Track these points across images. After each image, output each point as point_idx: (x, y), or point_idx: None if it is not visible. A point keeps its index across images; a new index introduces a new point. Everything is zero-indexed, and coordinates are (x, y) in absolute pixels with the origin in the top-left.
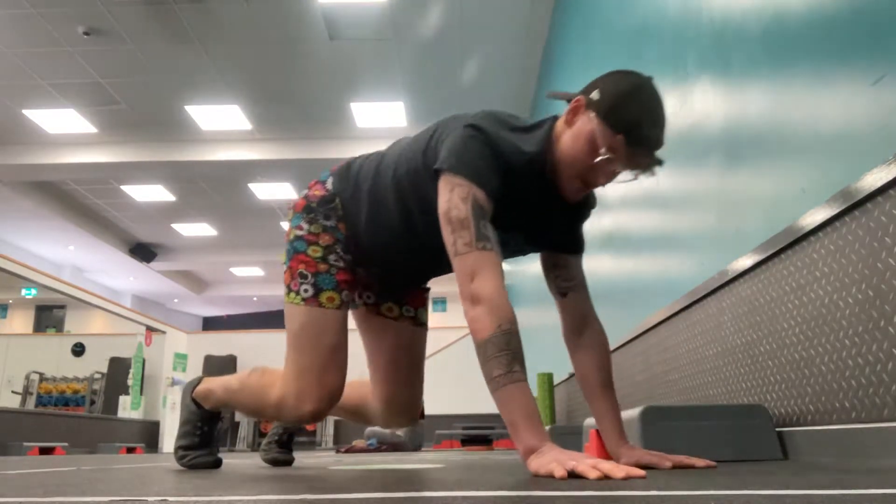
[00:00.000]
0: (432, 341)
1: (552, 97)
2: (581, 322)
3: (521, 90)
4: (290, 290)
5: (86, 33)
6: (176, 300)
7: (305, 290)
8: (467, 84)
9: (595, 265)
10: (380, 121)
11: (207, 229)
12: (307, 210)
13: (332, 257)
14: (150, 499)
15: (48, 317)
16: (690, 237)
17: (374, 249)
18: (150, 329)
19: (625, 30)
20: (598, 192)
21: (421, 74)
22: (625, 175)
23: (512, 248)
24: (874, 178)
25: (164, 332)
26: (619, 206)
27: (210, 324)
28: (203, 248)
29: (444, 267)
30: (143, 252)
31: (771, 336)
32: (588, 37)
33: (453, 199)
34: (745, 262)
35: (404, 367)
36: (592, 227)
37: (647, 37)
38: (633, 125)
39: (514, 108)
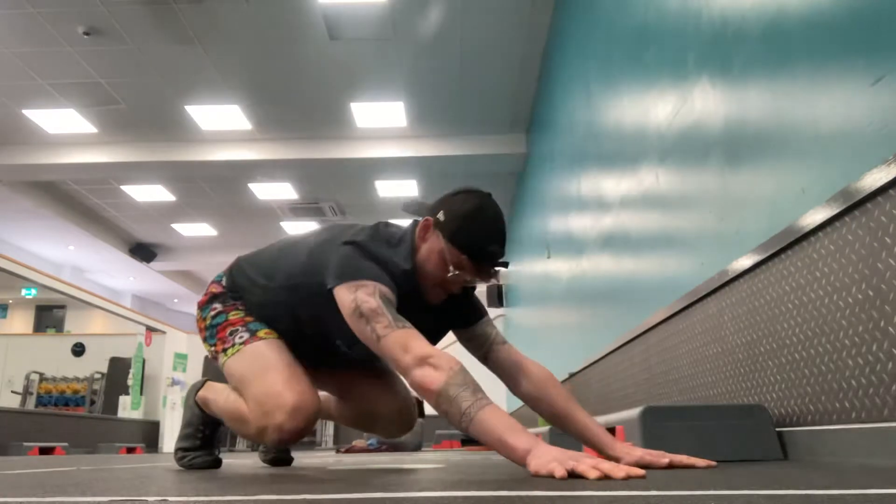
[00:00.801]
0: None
1: (407, 210)
2: (516, 372)
3: (521, 90)
4: (225, 350)
5: (86, 33)
6: (176, 300)
7: (241, 337)
8: (467, 84)
9: (595, 265)
10: (380, 121)
11: (207, 229)
12: (212, 299)
13: (254, 315)
14: (150, 499)
15: (48, 317)
16: (690, 237)
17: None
18: (150, 329)
19: (625, 30)
20: (599, 191)
21: (421, 74)
22: (476, 280)
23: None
24: (874, 178)
25: (164, 332)
26: (619, 206)
27: None
28: (203, 248)
29: (330, 358)
30: (143, 252)
31: (771, 336)
32: (588, 37)
33: (359, 296)
34: (745, 262)
35: (374, 388)
36: (592, 227)
37: (648, 37)
38: (475, 246)
39: (514, 108)
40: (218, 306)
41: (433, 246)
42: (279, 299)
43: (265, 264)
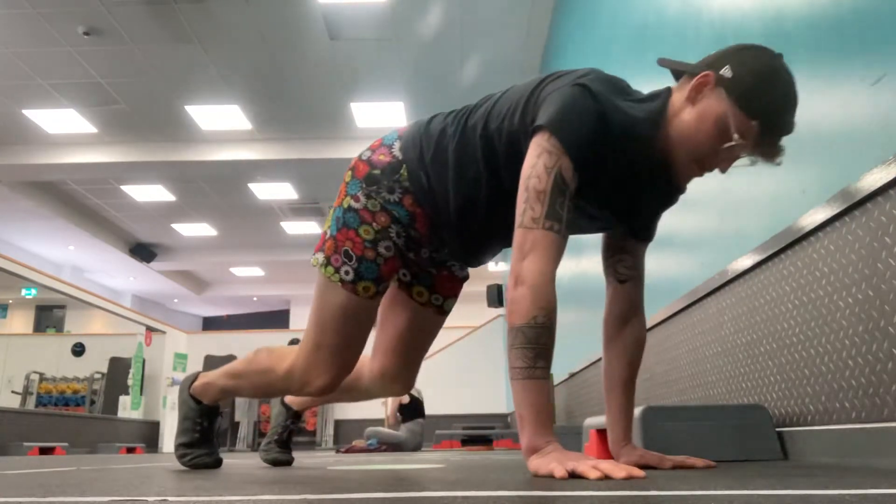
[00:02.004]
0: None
1: (664, 65)
2: (629, 312)
3: None
4: (328, 262)
5: (86, 33)
6: (176, 300)
7: (346, 273)
8: (467, 84)
9: (595, 265)
10: (380, 121)
11: (207, 229)
12: (369, 179)
13: (382, 244)
14: (150, 499)
15: (48, 317)
16: (690, 237)
17: (453, 215)
18: (150, 329)
19: (625, 30)
20: None
21: (421, 74)
22: (742, 161)
23: (598, 225)
24: (874, 178)
25: (164, 332)
26: None
27: (210, 324)
28: (203, 248)
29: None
30: (143, 252)
31: (771, 336)
32: (588, 37)
33: (538, 165)
34: (745, 262)
35: (411, 347)
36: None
37: (648, 37)
38: (771, 112)
39: None
40: (361, 199)
41: (710, 108)
42: (475, 152)
43: (460, 112)
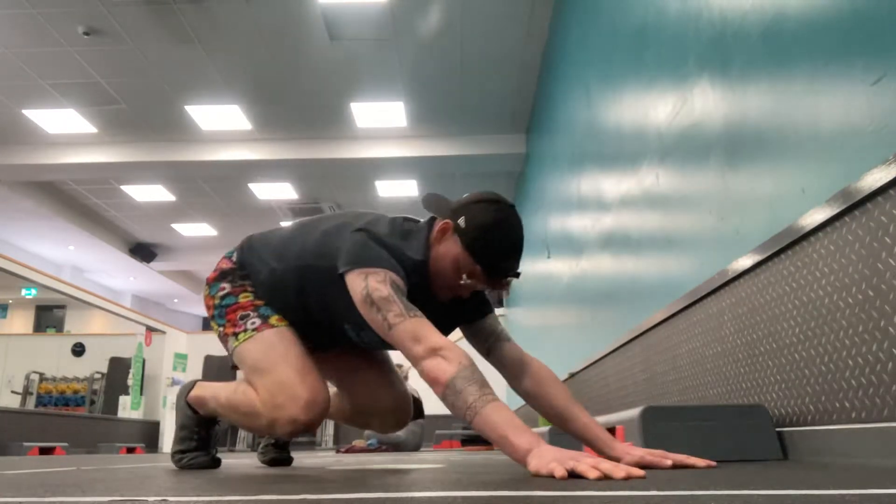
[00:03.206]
0: None
1: (427, 206)
2: (518, 367)
3: (521, 90)
4: (236, 335)
5: (86, 33)
6: (176, 300)
7: (253, 323)
8: (467, 84)
9: (595, 265)
10: (380, 121)
11: (207, 229)
12: (221, 276)
13: (262, 297)
14: (150, 499)
15: (48, 317)
16: (690, 237)
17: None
18: (150, 329)
19: (625, 30)
20: (599, 191)
21: (421, 74)
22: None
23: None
24: (874, 178)
25: (164, 332)
26: (619, 206)
27: (210, 324)
28: (203, 248)
29: (336, 343)
30: (143, 252)
31: (771, 336)
32: (588, 37)
33: (370, 284)
34: (745, 262)
35: (373, 378)
36: (592, 226)
37: (648, 37)
38: (491, 258)
39: (514, 108)
40: (227, 286)
41: (448, 250)
42: (288, 281)
43: (276, 244)
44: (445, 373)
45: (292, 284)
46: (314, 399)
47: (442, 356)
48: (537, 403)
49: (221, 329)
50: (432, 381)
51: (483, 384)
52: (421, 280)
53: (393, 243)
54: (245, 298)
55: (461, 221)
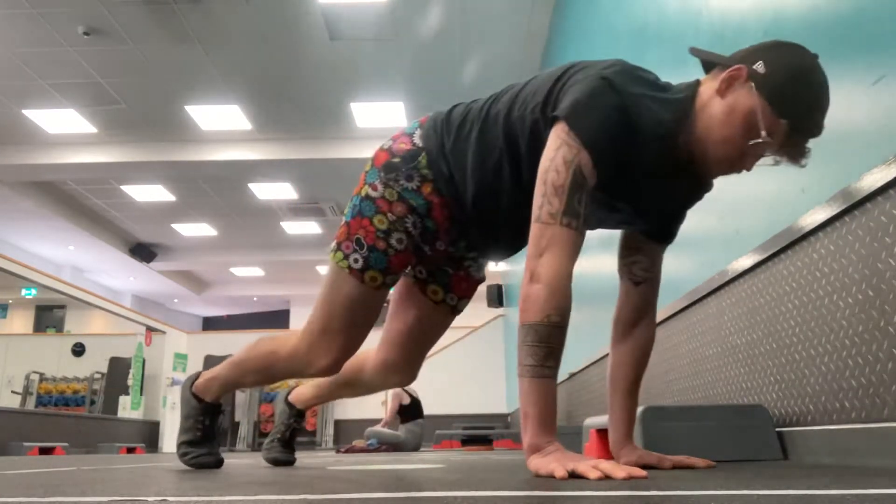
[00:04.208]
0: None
1: (696, 54)
2: (641, 314)
3: None
4: (339, 247)
5: (86, 33)
6: (176, 300)
7: (355, 260)
8: (467, 84)
9: (595, 265)
10: (380, 121)
11: (207, 229)
12: (387, 167)
13: (395, 236)
14: (150, 499)
15: (48, 317)
16: (690, 237)
17: (473, 206)
18: (150, 329)
19: (625, 30)
20: None
21: (421, 74)
22: (768, 160)
23: (618, 220)
24: (874, 178)
25: (164, 332)
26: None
27: (210, 324)
28: (203, 248)
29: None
30: (143, 252)
31: (771, 336)
32: (588, 37)
33: (557, 158)
34: (745, 262)
35: (417, 343)
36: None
37: (648, 37)
38: (801, 113)
39: None
40: (379, 188)
41: (740, 103)
42: (503, 128)
43: (483, 101)
44: (532, 314)
45: (501, 143)
46: (340, 357)
47: (544, 290)
48: (615, 357)
49: (343, 220)
50: (520, 308)
51: (550, 352)
52: (670, 147)
53: (642, 100)
54: (379, 223)
55: (759, 66)
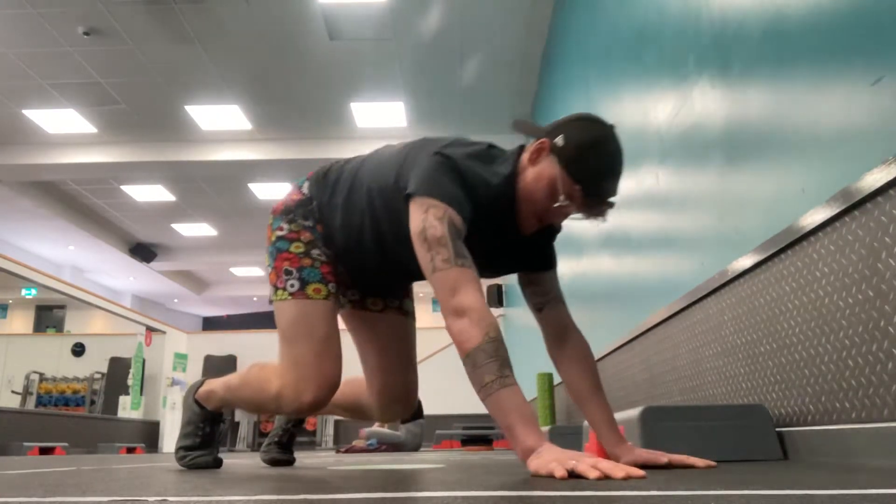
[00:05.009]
0: (431, 342)
1: (518, 129)
2: (561, 333)
3: (521, 90)
4: (276, 288)
5: (86, 33)
6: (176, 300)
7: (292, 285)
8: (467, 84)
9: (595, 265)
10: (380, 121)
11: (207, 229)
12: (285, 212)
13: (314, 252)
14: (150, 499)
15: (48, 317)
16: (690, 237)
17: (347, 254)
18: (150, 329)
19: (625, 30)
20: None
21: (421, 74)
22: (576, 215)
23: (488, 273)
24: (874, 178)
25: (164, 332)
26: (619, 206)
27: (210, 324)
28: (203, 248)
29: (411, 279)
30: (143, 252)
31: (771, 336)
32: (588, 37)
33: (428, 218)
34: (745, 262)
35: (395, 358)
36: (592, 226)
37: (648, 37)
38: (592, 178)
39: (514, 109)
40: (284, 228)
41: (544, 171)
42: (361, 203)
43: (353, 164)
44: (469, 341)
45: (364, 212)
46: (323, 384)
47: (471, 320)
48: (564, 378)
49: (269, 270)
50: (456, 344)
51: (503, 363)
52: (502, 209)
53: (473, 171)
54: (296, 249)
55: (559, 140)
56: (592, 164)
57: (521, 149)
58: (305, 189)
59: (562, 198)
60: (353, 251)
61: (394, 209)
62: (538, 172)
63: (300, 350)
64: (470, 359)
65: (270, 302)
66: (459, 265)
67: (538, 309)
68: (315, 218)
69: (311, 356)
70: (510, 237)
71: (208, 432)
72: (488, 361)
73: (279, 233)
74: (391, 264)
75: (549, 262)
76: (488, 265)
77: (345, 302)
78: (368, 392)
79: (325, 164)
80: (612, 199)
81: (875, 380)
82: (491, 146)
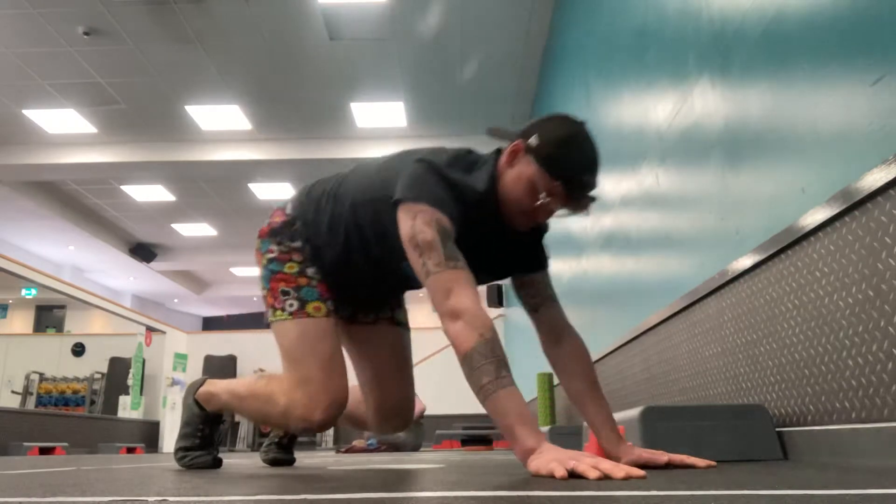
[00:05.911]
0: (432, 342)
1: (492, 135)
2: (557, 334)
3: (521, 90)
4: (274, 309)
5: (86, 33)
6: (176, 300)
7: (291, 305)
8: (467, 84)
9: (595, 265)
10: (380, 121)
11: (207, 229)
12: (272, 234)
13: (309, 270)
14: (150, 499)
15: (48, 317)
16: (690, 237)
17: (336, 270)
18: (150, 329)
19: (625, 30)
20: (599, 191)
21: (421, 74)
22: (563, 211)
23: (481, 279)
24: (874, 178)
25: (164, 332)
26: (619, 206)
27: (210, 324)
28: (203, 248)
29: (406, 287)
30: (143, 252)
31: (771, 336)
32: (588, 37)
33: (417, 224)
34: (745, 262)
35: (390, 370)
36: (592, 227)
37: (648, 37)
38: (570, 172)
39: (514, 108)
40: (274, 250)
41: (523, 171)
42: (347, 219)
43: (334, 181)
44: (465, 343)
45: (350, 226)
46: (333, 401)
47: (466, 322)
48: (562, 377)
49: (264, 294)
50: (453, 347)
51: (500, 364)
52: (486, 213)
53: (454, 176)
54: (290, 269)
55: (533, 140)
56: (568, 158)
57: (499, 153)
58: (289, 209)
59: (542, 195)
60: (341, 266)
61: (381, 221)
62: (517, 173)
63: (307, 369)
64: (466, 361)
65: (268, 325)
66: (451, 267)
67: (533, 310)
68: (303, 238)
69: (319, 374)
70: (499, 240)
71: (207, 433)
72: (485, 363)
73: (270, 255)
74: (383, 274)
75: (540, 263)
76: (481, 270)
77: (339, 320)
78: (366, 407)
79: (306, 184)
80: (592, 193)
81: (875, 380)
82: (469, 151)
